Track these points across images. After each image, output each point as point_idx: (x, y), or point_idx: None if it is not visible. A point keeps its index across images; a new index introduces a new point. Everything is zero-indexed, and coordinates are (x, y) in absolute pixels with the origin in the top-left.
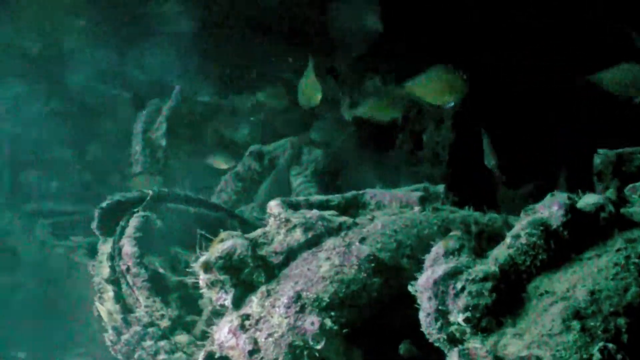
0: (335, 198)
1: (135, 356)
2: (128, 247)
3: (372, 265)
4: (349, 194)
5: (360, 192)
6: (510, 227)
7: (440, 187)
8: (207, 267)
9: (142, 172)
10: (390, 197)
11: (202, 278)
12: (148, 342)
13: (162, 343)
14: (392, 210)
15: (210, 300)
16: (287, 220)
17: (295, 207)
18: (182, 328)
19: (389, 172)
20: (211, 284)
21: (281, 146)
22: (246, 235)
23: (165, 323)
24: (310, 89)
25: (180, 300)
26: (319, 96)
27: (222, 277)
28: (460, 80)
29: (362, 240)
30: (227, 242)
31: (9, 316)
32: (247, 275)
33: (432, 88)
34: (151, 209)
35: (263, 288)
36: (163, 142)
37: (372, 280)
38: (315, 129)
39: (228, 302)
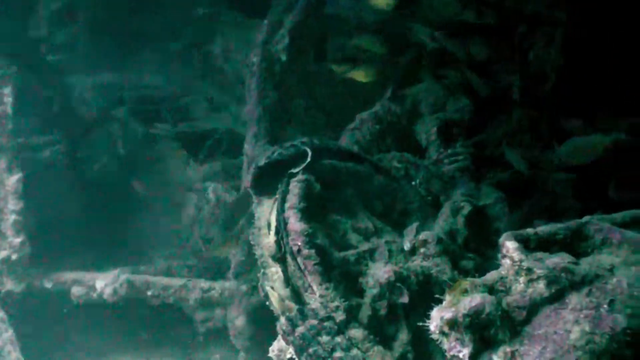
0: (561, 230)
1: (310, 350)
2: (296, 222)
3: (627, 339)
4: (573, 225)
5: (584, 221)
6: None
7: None
8: (452, 325)
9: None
10: (621, 236)
11: (442, 331)
12: (325, 338)
13: (338, 339)
14: (624, 254)
15: (373, 280)
16: (529, 270)
17: (525, 241)
18: (353, 320)
19: None
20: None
21: (425, 90)
22: (484, 279)
23: (340, 316)
24: None
25: (342, 278)
26: None
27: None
28: None
29: (611, 302)
30: (476, 299)
31: None
32: (490, 332)
33: None
34: (309, 170)
35: (507, 348)
36: (283, 57)
37: (625, 352)
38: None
39: (464, 355)
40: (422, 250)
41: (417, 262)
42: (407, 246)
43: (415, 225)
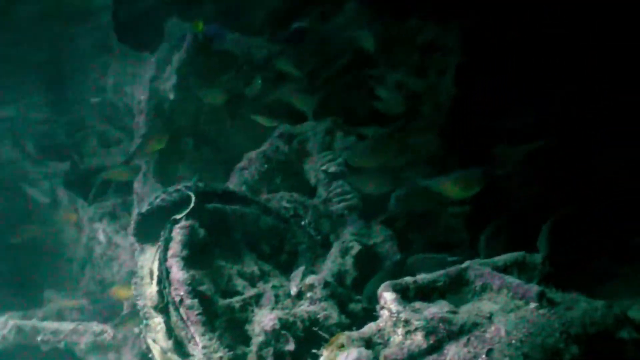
0: (441, 277)
1: None
2: (178, 271)
3: None
4: (453, 271)
5: (464, 267)
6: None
7: (538, 257)
8: None
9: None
10: (501, 282)
11: None
12: None
13: None
14: (504, 300)
15: (258, 327)
16: (407, 322)
17: (403, 291)
18: None
19: None
20: None
21: (312, 128)
22: (361, 332)
23: None
24: None
25: (227, 326)
26: None
27: None
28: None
29: (489, 352)
30: (352, 354)
31: None
32: None
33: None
34: (193, 215)
35: None
36: (171, 95)
37: None
38: None
39: None
40: (308, 294)
41: (303, 307)
42: (293, 291)
43: (301, 269)
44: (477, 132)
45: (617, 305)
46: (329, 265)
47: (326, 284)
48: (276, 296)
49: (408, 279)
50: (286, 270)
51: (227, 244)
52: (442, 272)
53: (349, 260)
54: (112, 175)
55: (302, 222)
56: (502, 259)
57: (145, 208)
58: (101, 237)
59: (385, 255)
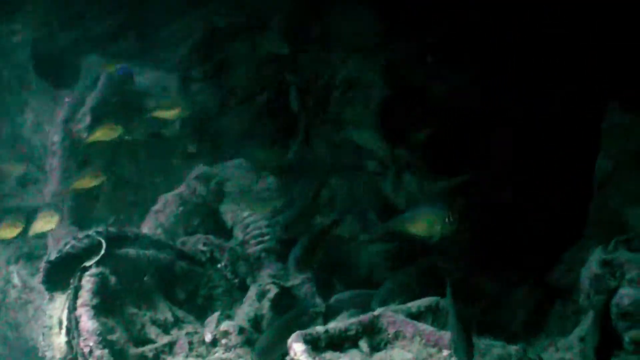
0: (352, 326)
1: None
2: (87, 321)
3: None
4: (365, 319)
5: (376, 314)
6: None
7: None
8: None
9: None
10: (413, 329)
11: None
12: None
13: None
14: (417, 348)
15: None
16: None
17: (314, 342)
18: None
19: None
20: None
21: (230, 168)
22: None
23: None
24: None
25: None
26: None
27: None
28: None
29: None
30: None
31: None
32: None
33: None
34: (104, 262)
35: None
36: (86, 136)
37: None
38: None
39: None
40: (223, 341)
41: (218, 355)
42: (208, 337)
43: (216, 314)
44: None
45: (531, 350)
46: (245, 310)
47: (241, 330)
48: (190, 343)
49: (319, 329)
50: (202, 316)
51: (140, 290)
52: (354, 320)
53: (265, 304)
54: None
55: (219, 266)
56: (415, 304)
57: (54, 255)
58: (16, 280)
59: (304, 297)
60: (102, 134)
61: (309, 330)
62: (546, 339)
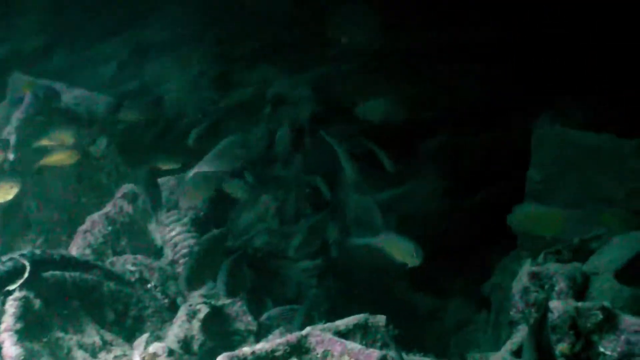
0: (280, 346)
1: None
2: (11, 346)
3: None
4: (292, 339)
5: (304, 333)
6: None
7: (382, 319)
8: None
9: None
10: (342, 348)
11: None
12: None
13: None
14: None
15: None
16: None
17: None
18: None
19: None
20: None
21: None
22: None
23: None
24: None
25: None
26: None
27: None
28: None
29: None
30: None
31: None
32: None
33: None
34: (28, 285)
35: None
36: (11, 156)
37: None
38: None
39: None
40: None
41: None
42: None
43: (145, 336)
44: None
45: None
46: (175, 331)
47: (171, 352)
48: None
49: (246, 350)
50: (132, 337)
51: (67, 313)
52: (281, 340)
53: (196, 325)
54: None
55: (148, 286)
56: (344, 322)
57: None
58: None
59: (235, 316)
60: (57, 159)
61: (235, 352)
62: (478, 352)
